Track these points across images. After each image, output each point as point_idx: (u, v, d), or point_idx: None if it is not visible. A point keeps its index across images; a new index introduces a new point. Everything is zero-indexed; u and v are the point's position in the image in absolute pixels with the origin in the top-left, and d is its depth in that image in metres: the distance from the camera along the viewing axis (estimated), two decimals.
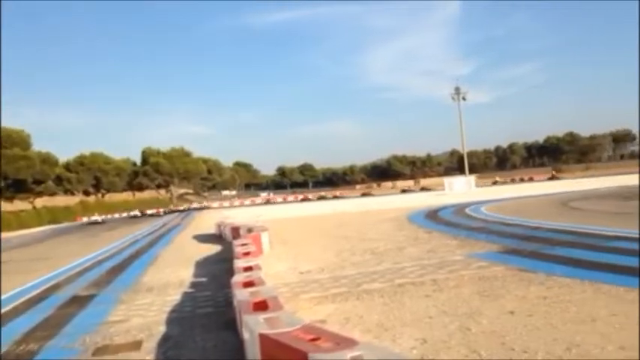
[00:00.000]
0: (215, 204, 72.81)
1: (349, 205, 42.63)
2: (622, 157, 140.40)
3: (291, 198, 72.57)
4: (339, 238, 15.84)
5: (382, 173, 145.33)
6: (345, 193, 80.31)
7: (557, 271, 8.14)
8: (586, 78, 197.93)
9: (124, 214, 59.01)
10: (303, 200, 67.88)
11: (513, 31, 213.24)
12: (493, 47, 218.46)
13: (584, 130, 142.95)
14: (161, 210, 62.12)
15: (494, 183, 73.43)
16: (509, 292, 7.13)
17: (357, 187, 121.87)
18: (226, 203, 72.70)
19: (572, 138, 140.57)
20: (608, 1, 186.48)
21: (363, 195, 71.43)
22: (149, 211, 60.25)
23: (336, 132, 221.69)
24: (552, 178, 74.90)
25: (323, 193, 78.81)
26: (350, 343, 3.59)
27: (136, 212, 59.43)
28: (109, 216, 57.79)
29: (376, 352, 3.51)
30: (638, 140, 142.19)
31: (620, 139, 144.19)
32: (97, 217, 52.68)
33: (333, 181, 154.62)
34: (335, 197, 70.19)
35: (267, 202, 70.40)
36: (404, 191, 73.40)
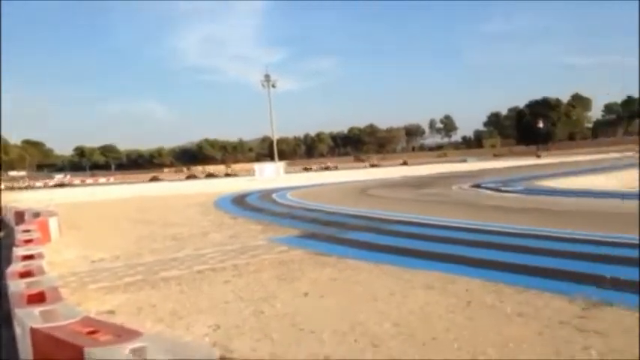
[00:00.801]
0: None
1: (152, 189, 41.09)
2: (413, 149, 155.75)
3: (90, 181, 67.71)
4: (139, 224, 15.14)
5: (192, 157, 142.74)
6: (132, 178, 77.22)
7: (349, 254, 8.67)
8: (386, 74, 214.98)
9: None
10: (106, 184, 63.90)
11: (320, 24, 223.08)
12: (303, 38, 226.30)
13: (382, 123, 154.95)
14: None
15: (306, 169, 76.67)
16: (305, 274, 7.40)
17: (166, 170, 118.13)
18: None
19: (372, 130, 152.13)
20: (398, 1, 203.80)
21: (152, 180, 69.32)
22: None
23: (143, 112, 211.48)
24: (373, 166, 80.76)
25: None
26: (133, 334, 3.38)
27: None
28: None
29: (161, 342, 3.35)
30: (426, 134, 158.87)
31: (412, 132, 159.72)
32: None
33: (138, 163, 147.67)
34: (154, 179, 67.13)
35: (62, 185, 64.78)
36: (210, 175, 73.05)
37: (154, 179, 71.72)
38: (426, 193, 21.66)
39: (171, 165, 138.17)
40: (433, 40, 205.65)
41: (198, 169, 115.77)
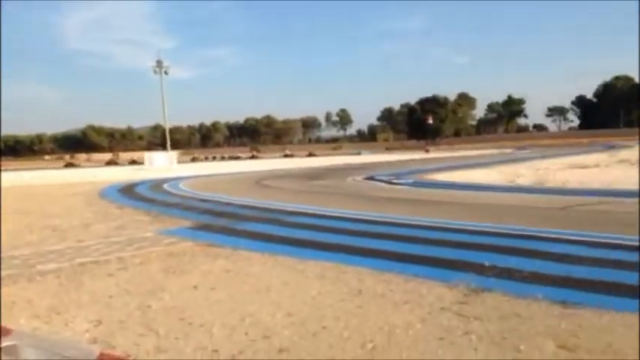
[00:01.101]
0: None
1: (30, 177, 38.35)
2: (310, 140, 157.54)
3: None
4: (16, 214, 13.99)
5: (77, 144, 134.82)
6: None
7: (243, 245, 8.52)
8: (284, 66, 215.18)
9: None
10: None
11: (219, 11, 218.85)
12: (200, 25, 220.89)
13: (279, 115, 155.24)
14: None
15: (211, 158, 74.81)
16: (196, 267, 7.17)
17: (47, 157, 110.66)
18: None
19: (269, 121, 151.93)
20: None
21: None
22: None
23: (26, 97, 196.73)
24: (253, 157, 79.91)
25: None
26: (2, 332, 3.07)
27: None
28: None
29: (35, 340, 3.07)
30: (323, 127, 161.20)
31: (309, 124, 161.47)
32: None
33: (16, 150, 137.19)
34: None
35: None
36: (109, 163, 69.50)
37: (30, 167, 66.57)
38: (321, 185, 21.92)
39: (52, 152, 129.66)
40: (331, 35, 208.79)
41: (82, 156, 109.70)
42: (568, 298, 4.97)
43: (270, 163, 53.16)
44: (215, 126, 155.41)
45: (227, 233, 9.89)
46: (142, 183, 25.79)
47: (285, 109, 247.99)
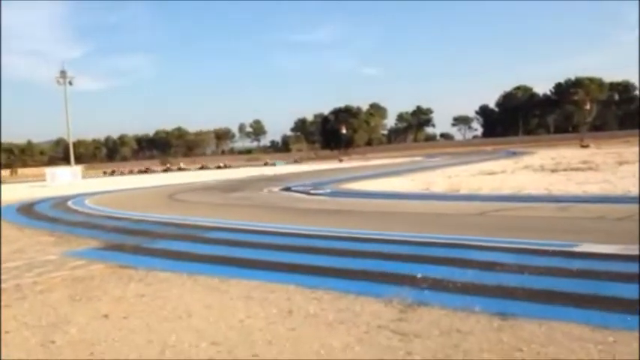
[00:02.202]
0: None
1: None
2: (223, 152, 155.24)
3: None
4: None
5: None
6: None
7: (158, 265, 7.91)
8: (195, 77, 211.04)
9: None
10: None
11: (127, 21, 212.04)
12: (105, 34, 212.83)
13: (191, 127, 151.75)
14: None
15: (119, 173, 71.13)
16: (106, 292, 6.52)
17: None
18: None
19: (180, 133, 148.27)
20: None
21: None
22: None
23: None
24: (167, 170, 77.17)
25: None
26: None
27: None
28: None
29: None
30: (236, 138, 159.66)
31: (221, 136, 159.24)
32: None
33: None
34: None
35: None
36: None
37: None
38: (238, 197, 21.34)
39: None
40: (243, 46, 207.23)
41: None
42: (505, 310, 4.85)
43: (184, 175, 51.60)
44: (122, 139, 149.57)
45: (140, 253, 9.19)
46: (44, 201, 23.99)
47: (198, 120, 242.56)
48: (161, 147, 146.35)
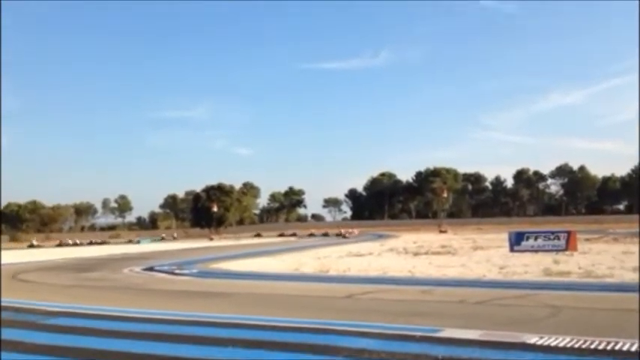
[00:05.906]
0: None
1: None
2: (83, 228, 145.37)
3: None
4: None
5: None
6: None
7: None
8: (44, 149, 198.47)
9: None
10: None
11: None
12: None
13: (48, 200, 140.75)
14: None
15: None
16: None
17: None
18: None
19: (34, 206, 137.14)
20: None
21: None
22: None
23: None
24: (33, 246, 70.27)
25: None
26: None
27: None
28: None
29: None
30: (99, 214, 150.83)
31: (82, 211, 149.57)
32: None
33: None
34: None
35: None
36: None
37: None
38: (92, 278, 19.56)
39: None
40: (111, 120, 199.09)
41: None
42: None
43: (33, 253, 47.08)
44: None
45: None
46: None
47: (56, 194, 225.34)
48: (12, 221, 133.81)
